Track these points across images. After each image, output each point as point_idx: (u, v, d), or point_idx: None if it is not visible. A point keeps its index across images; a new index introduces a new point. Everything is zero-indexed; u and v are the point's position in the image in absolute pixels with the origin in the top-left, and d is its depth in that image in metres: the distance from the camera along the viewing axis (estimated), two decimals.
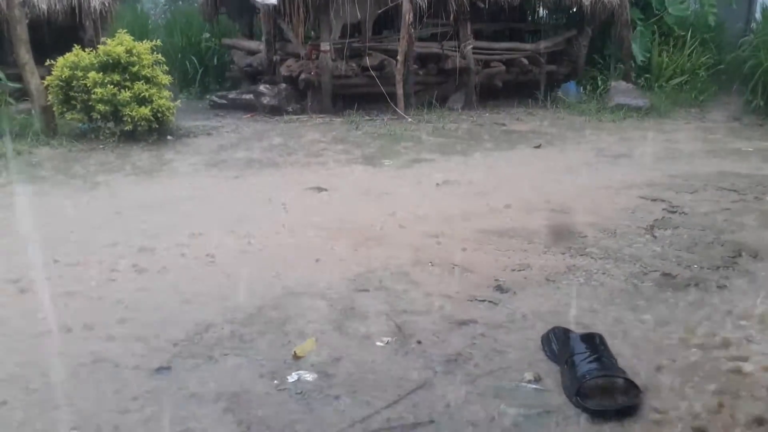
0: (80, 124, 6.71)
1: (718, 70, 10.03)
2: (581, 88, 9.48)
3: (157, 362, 2.37)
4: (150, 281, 3.14)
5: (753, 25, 10.87)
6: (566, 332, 2.43)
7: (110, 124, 6.52)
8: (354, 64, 8.46)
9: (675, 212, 4.23)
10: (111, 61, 6.43)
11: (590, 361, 2.14)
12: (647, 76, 9.62)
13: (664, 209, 4.30)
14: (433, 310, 2.81)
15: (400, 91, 8.22)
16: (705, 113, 8.91)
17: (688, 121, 8.32)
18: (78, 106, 6.47)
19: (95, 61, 6.43)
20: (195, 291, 3.01)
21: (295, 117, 8.32)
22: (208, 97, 9.75)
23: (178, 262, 3.38)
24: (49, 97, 6.49)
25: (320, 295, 2.97)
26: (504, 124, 7.85)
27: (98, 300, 2.92)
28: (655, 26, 10.05)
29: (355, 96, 8.64)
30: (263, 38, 9.19)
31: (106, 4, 7.96)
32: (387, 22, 9.22)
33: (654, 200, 4.54)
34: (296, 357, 2.38)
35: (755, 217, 4.12)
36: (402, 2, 7.94)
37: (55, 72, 6.37)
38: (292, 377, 2.25)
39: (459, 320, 2.71)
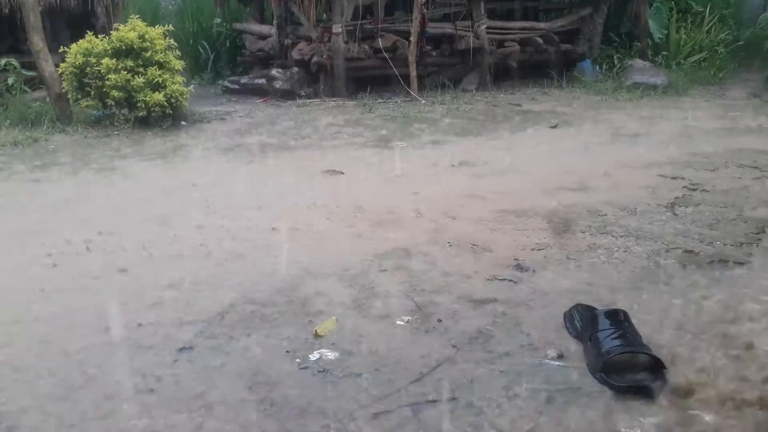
0: (95, 111, 6.73)
1: (737, 47, 9.83)
2: (597, 66, 9.34)
3: (180, 343, 2.38)
4: (168, 265, 3.15)
5: None
6: (589, 309, 2.40)
7: (124, 111, 6.54)
8: (366, 47, 8.40)
9: (696, 190, 4.17)
10: (124, 47, 6.43)
11: (614, 338, 2.12)
12: (665, 53, 9.46)
13: (684, 187, 4.24)
14: (453, 289, 2.79)
15: (413, 73, 8.15)
16: (724, 90, 8.75)
17: (707, 99, 8.18)
18: (92, 93, 6.49)
19: (108, 48, 6.43)
20: (214, 273, 3.02)
21: (308, 101, 8.29)
22: (220, 82, 9.74)
23: (195, 246, 3.38)
24: (64, 84, 6.51)
25: (339, 275, 2.96)
26: (519, 105, 7.77)
27: (114, 284, 2.93)
28: (673, 2, 9.85)
29: (368, 78, 8.58)
30: (274, 22, 9.15)
31: None
32: (399, 2, 9.12)
33: (674, 178, 4.47)
34: (317, 336, 2.39)
35: None
36: None
37: (69, 59, 6.39)
38: (314, 355, 2.25)
39: (479, 299, 2.69)
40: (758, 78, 9.05)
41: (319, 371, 2.17)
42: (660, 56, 9.43)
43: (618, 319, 2.24)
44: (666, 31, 9.62)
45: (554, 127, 6.51)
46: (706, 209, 3.76)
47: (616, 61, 9.18)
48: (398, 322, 2.50)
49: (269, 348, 2.33)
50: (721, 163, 4.88)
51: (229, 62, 10.72)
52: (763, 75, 8.87)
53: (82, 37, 6.61)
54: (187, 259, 3.21)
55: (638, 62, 8.94)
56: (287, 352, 2.29)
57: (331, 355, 2.25)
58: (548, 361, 2.20)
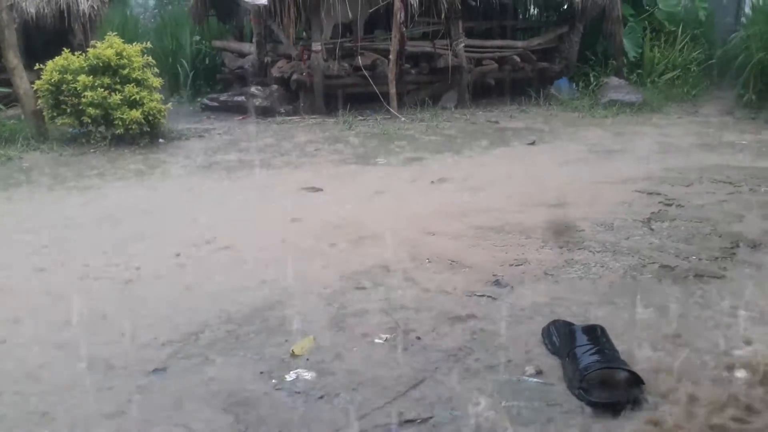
0: (71, 129, 6.64)
1: (709, 65, 10.06)
2: (574, 84, 9.48)
3: (153, 364, 2.33)
4: (142, 284, 3.09)
5: (743, 19, 10.91)
6: (567, 325, 2.40)
7: (101, 128, 6.45)
8: (346, 64, 8.43)
9: (671, 205, 4.22)
10: (101, 64, 6.37)
11: (592, 353, 2.12)
12: (639, 71, 9.64)
13: (660, 202, 4.29)
14: (432, 306, 2.77)
15: (392, 91, 8.20)
16: (697, 108, 8.92)
17: (681, 116, 8.34)
18: (68, 110, 6.41)
19: (85, 65, 6.37)
20: (188, 292, 2.97)
21: (287, 118, 8.28)
22: (199, 100, 9.70)
23: (170, 265, 3.33)
24: (39, 101, 6.43)
25: (318, 293, 2.93)
26: (497, 122, 7.84)
27: (89, 302, 2.87)
28: (646, 22, 10.07)
29: (348, 96, 8.61)
30: (254, 40, 9.15)
31: (95, 8, 7.90)
32: (378, 21, 9.20)
33: (650, 194, 4.53)
34: (294, 355, 2.35)
35: (751, 208, 4.11)
36: (393, 1, 7.91)
37: (45, 76, 6.31)
38: (290, 376, 2.21)
39: (458, 315, 2.68)
40: (730, 95, 9.25)
41: (295, 392, 2.13)
42: (635, 74, 9.61)
43: (596, 334, 2.24)
44: (640, 50, 9.82)
45: (532, 144, 6.57)
46: (682, 224, 3.80)
47: (592, 79, 9.33)
48: (376, 341, 2.48)
49: (245, 368, 2.28)
50: (696, 178, 4.95)
51: (208, 80, 10.70)
52: (734, 92, 9.07)
53: (59, 54, 6.55)
54: (161, 277, 3.16)
55: (614, 80, 9.10)
56: (262, 372, 2.24)
57: (307, 375, 2.22)
58: (527, 377, 2.18)
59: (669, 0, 10.13)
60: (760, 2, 9.23)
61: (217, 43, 10.50)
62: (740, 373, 2.17)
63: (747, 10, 10.91)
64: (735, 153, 6.00)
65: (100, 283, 3.10)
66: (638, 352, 2.31)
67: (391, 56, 8.10)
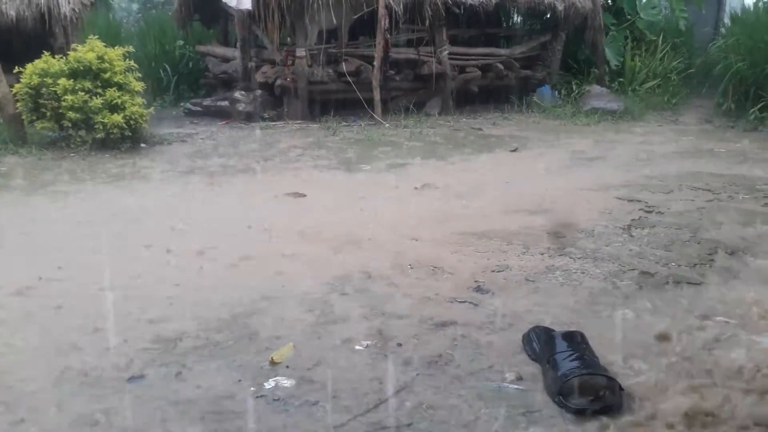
0: (50, 133, 6.55)
1: (689, 74, 10.22)
2: (556, 92, 9.56)
3: (130, 371, 2.29)
4: (121, 290, 3.05)
5: (722, 29, 11.10)
6: (547, 331, 2.41)
7: (81, 132, 6.37)
8: (330, 70, 8.42)
9: (651, 212, 4.26)
10: (82, 67, 6.30)
11: (572, 360, 2.12)
12: (621, 80, 9.76)
13: (640, 209, 4.33)
14: (413, 313, 2.77)
15: (377, 97, 8.20)
16: (677, 116, 9.05)
17: (662, 124, 8.44)
18: (48, 114, 6.32)
19: (65, 68, 6.30)
20: (167, 299, 2.93)
21: (271, 123, 8.24)
22: (182, 104, 9.63)
23: (149, 271, 3.29)
24: (18, 105, 6.33)
25: (299, 299, 2.91)
26: (481, 129, 7.88)
27: (66, 310, 2.82)
28: (628, 31, 10.21)
29: (332, 102, 8.60)
30: (238, 44, 9.11)
31: (77, 11, 7.83)
32: (363, 27, 9.20)
33: (630, 200, 4.57)
34: (273, 363, 2.32)
35: (730, 215, 4.17)
36: (377, 8, 7.93)
37: (24, 80, 6.22)
38: (270, 384, 2.19)
39: (439, 322, 2.67)
40: (709, 104, 9.39)
41: (274, 400, 2.11)
42: (616, 82, 9.72)
43: (575, 341, 2.24)
44: (622, 59, 9.94)
45: (514, 150, 6.61)
46: (662, 231, 3.84)
47: (574, 87, 9.42)
48: (357, 348, 2.46)
49: (223, 376, 2.25)
50: (676, 186, 5.01)
51: (191, 84, 10.62)
52: (714, 101, 9.21)
53: (39, 57, 6.47)
54: (140, 284, 3.11)
55: (596, 88, 9.19)
56: (241, 380, 2.22)
57: (287, 382, 2.19)
58: (507, 384, 2.18)
59: (650, 10, 10.28)
60: (739, 13, 9.40)
61: (201, 48, 10.44)
62: (721, 380, 2.18)
63: (726, 20, 11.12)
64: (714, 161, 6.08)
65: (75, 289, 3.05)
66: (617, 359, 2.32)
67: (375, 63, 8.12)
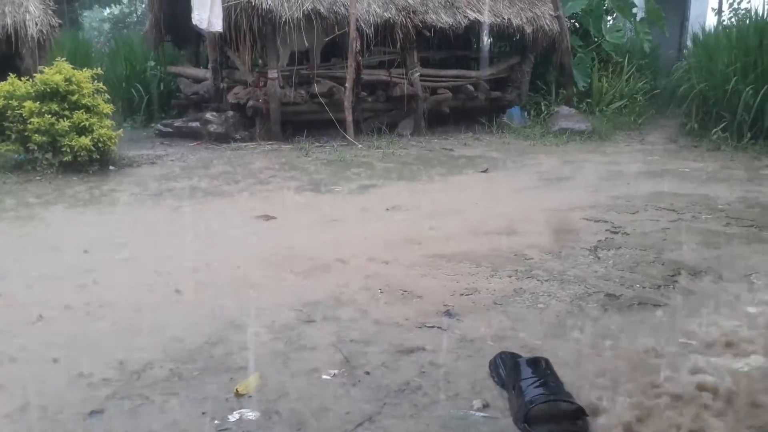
0: (15, 155, 6.44)
1: (654, 95, 10.51)
2: (525, 113, 9.74)
3: (90, 405, 2.23)
4: (83, 319, 2.98)
5: (684, 51, 11.45)
6: (513, 357, 2.42)
7: (48, 155, 6.28)
8: (303, 91, 8.47)
9: (617, 233, 4.34)
10: (49, 90, 6.23)
11: (537, 386, 2.14)
12: (588, 100, 9.99)
13: (607, 230, 4.40)
14: (382, 339, 2.76)
15: (349, 118, 8.26)
16: (644, 136, 9.26)
17: (628, 144, 8.63)
18: (13, 137, 6.23)
19: (32, 91, 6.22)
20: (131, 328, 2.88)
21: (243, 144, 8.23)
22: (153, 125, 9.57)
23: (114, 298, 3.23)
24: None
25: (266, 327, 2.88)
26: (452, 150, 7.96)
27: (26, 339, 2.75)
28: (594, 53, 10.48)
29: (305, 123, 8.63)
30: (209, 66, 9.12)
31: (45, 32, 7.74)
32: (335, 49, 9.29)
33: (597, 221, 4.65)
34: (239, 394, 2.29)
35: (693, 235, 4.26)
36: (349, 31, 8.01)
37: None
38: (234, 416, 2.16)
39: (408, 348, 2.67)
40: (674, 124, 9.65)
41: None
42: (584, 103, 9.95)
43: (540, 367, 2.26)
44: (589, 80, 10.18)
45: (485, 171, 6.68)
46: (627, 252, 3.91)
47: (543, 108, 9.61)
48: (324, 377, 2.44)
49: (186, 409, 2.21)
50: (641, 206, 5.11)
51: (163, 105, 10.57)
52: (678, 121, 9.47)
53: (4, 79, 6.37)
54: (102, 313, 3.05)
55: (564, 109, 9.39)
56: (204, 413, 2.18)
57: (251, 415, 2.16)
58: (473, 412, 2.18)
59: (615, 33, 10.57)
60: (700, 36, 9.70)
61: (173, 69, 10.41)
62: (685, 403, 2.22)
63: (688, 42, 11.47)
64: (678, 180, 6.23)
65: (32, 318, 2.97)
66: (582, 384, 2.34)
67: (347, 84, 8.18)
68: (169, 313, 3.06)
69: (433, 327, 2.88)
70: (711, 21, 14.19)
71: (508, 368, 2.34)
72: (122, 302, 3.17)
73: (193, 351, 2.65)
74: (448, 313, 3.02)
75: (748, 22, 8.78)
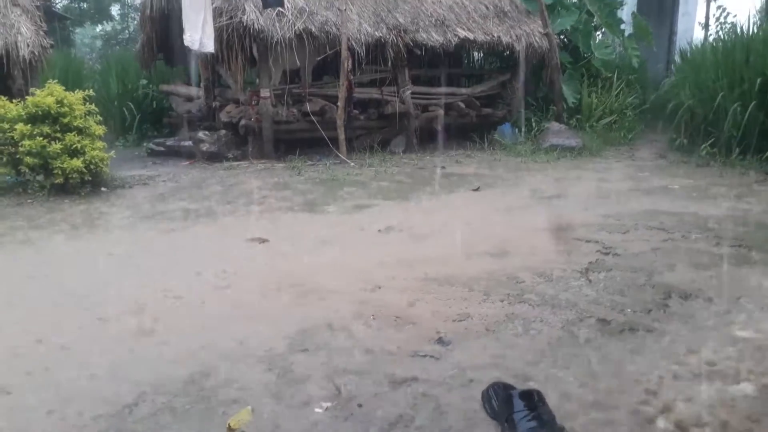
0: (7, 177, 6.43)
1: (643, 110, 10.61)
2: (516, 129, 9.81)
3: None
4: (73, 350, 2.97)
5: (672, 66, 11.60)
6: (506, 388, 2.43)
7: (39, 177, 6.27)
8: (295, 110, 8.51)
9: (608, 254, 4.36)
10: (40, 112, 6.23)
11: (529, 420, 2.14)
12: (578, 116, 10.07)
13: (598, 251, 4.43)
14: (375, 369, 2.76)
15: (341, 136, 8.30)
16: (634, 151, 9.34)
17: (619, 160, 8.70)
18: (4, 159, 6.22)
19: (23, 113, 6.22)
20: (121, 360, 2.87)
21: (235, 163, 8.24)
22: (145, 144, 9.57)
23: (103, 327, 3.22)
24: None
25: (258, 357, 2.88)
26: (444, 167, 8.00)
27: (7, 373, 2.73)
28: (584, 69, 10.58)
29: (297, 141, 8.66)
30: (202, 84, 9.15)
31: (36, 53, 7.75)
32: (327, 68, 9.35)
33: (588, 241, 4.67)
34: (231, 429, 2.28)
35: (683, 256, 4.29)
36: (340, 50, 8.07)
37: None
38: None
39: (401, 378, 2.67)
40: (663, 139, 9.74)
41: None
42: (574, 119, 10.03)
43: (533, 399, 2.26)
44: (579, 96, 10.27)
45: (476, 189, 6.72)
46: (618, 274, 3.93)
47: (533, 124, 9.69)
48: (317, 410, 2.44)
49: None
50: (632, 225, 5.14)
51: (155, 124, 10.60)
52: (667, 136, 9.56)
53: None
54: (91, 345, 3.04)
55: (554, 125, 9.46)
56: None
57: None
58: None
59: (603, 49, 10.68)
60: (688, 52, 9.83)
61: (165, 87, 10.44)
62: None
63: (676, 57, 11.62)
64: (668, 198, 6.28)
65: (24, 350, 2.96)
66: (575, 413, 2.35)
67: (339, 103, 8.22)
68: (157, 342, 3.04)
69: (425, 356, 2.88)
70: (698, 34, 14.39)
71: (500, 400, 2.34)
72: (102, 334, 3.15)
73: (185, 383, 2.64)
74: (441, 341, 3.03)
75: (734, 37, 8.89)
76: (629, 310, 3.36)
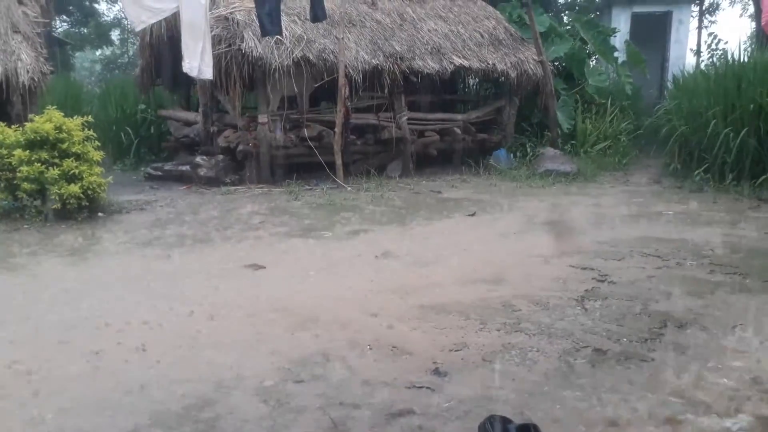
0: (4, 203, 6.44)
1: (637, 135, 10.72)
2: (511, 155, 9.89)
3: None
4: (67, 381, 2.95)
5: (665, 92, 11.75)
6: (503, 421, 2.42)
7: (37, 203, 6.28)
8: (293, 135, 8.57)
9: (604, 281, 4.38)
10: (39, 138, 6.26)
11: None
12: (573, 142, 10.17)
13: (593, 278, 4.44)
14: (371, 401, 2.75)
15: (338, 161, 8.35)
16: (628, 176, 9.41)
17: (613, 185, 8.76)
18: (2, 185, 6.23)
19: (22, 139, 6.25)
20: (115, 392, 2.85)
21: (233, 188, 8.27)
22: (143, 168, 9.61)
23: (99, 358, 3.20)
24: None
25: (254, 388, 2.87)
26: (440, 192, 8.04)
27: (3, 401, 2.72)
28: (578, 95, 10.72)
29: (295, 166, 8.71)
30: (200, 109, 9.21)
31: (36, 79, 7.81)
32: (324, 93, 9.44)
33: (584, 269, 4.69)
34: None
35: (678, 283, 4.31)
36: (337, 77, 8.16)
37: None
38: None
39: (397, 411, 2.66)
40: (657, 164, 9.83)
41: None
42: (569, 145, 10.13)
43: None
44: (573, 122, 10.39)
45: (472, 215, 6.75)
46: (614, 303, 3.94)
47: (528, 150, 9.77)
48: None
49: None
50: (627, 252, 5.17)
51: (152, 148, 10.65)
52: (661, 161, 9.64)
53: None
54: (86, 377, 3.02)
55: (549, 150, 9.55)
56: None
57: None
58: None
59: (597, 76, 10.83)
60: (680, 80, 9.96)
61: (163, 112, 10.51)
62: None
63: (669, 83, 11.77)
64: (663, 224, 6.32)
65: (12, 381, 2.94)
66: None
67: (336, 129, 8.29)
68: (151, 373, 3.03)
69: (422, 387, 2.88)
70: (690, 60, 14.61)
71: None
72: (98, 365, 3.14)
73: (180, 415, 2.63)
74: (437, 372, 3.03)
75: (726, 64, 9.02)
76: (625, 339, 3.36)
